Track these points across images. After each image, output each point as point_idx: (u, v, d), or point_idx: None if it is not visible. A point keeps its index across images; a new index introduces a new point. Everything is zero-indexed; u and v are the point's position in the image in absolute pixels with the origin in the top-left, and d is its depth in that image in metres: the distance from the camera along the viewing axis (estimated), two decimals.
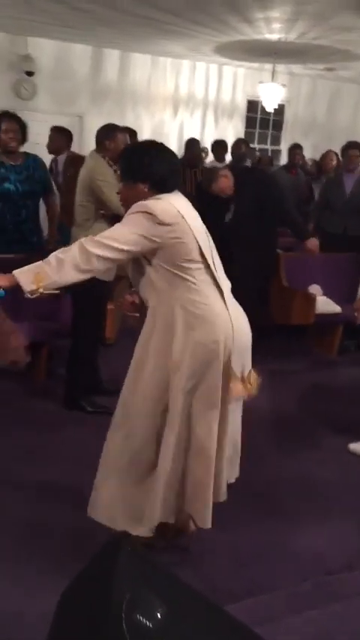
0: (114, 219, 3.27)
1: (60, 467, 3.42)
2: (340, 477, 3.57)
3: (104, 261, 2.32)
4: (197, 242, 2.38)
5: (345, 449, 3.88)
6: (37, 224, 4.79)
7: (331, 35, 7.46)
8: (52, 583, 2.48)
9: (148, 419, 2.44)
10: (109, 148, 3.96)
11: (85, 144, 7.29)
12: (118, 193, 2.59)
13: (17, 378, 4.62)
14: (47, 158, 6.06)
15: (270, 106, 9.70)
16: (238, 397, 2.48)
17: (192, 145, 7.51)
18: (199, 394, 2.41)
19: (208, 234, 2.51)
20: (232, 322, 2.43)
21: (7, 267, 2.40)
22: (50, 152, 6.26)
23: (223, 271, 2.53)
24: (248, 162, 8.26)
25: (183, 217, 2.36)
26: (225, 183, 4.88)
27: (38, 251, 4.11)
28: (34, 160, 4.66)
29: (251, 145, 9.85)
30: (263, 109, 10.30)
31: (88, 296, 3.98)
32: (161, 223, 2.30)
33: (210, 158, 8.86)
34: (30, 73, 9.35)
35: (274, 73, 9.46)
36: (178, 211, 2.36)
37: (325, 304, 5.51)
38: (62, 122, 6.90)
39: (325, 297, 5.60)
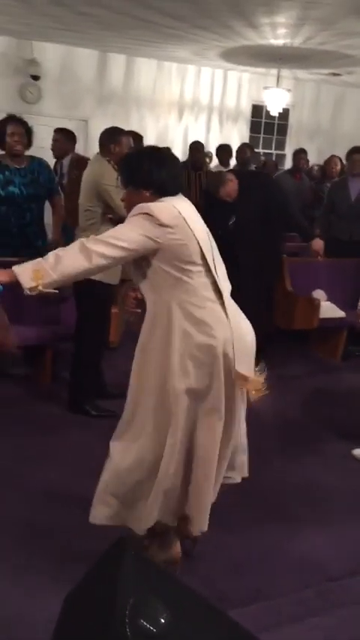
0: (120, 223, 3.27)
1: (63, 470, 3.42)
2: (343, 483, 3.57)
3: (104, 259, 2.31)
4: (199, 245, 2.38)
5: (349, 454, 3.88)
6: (42, 227, 4.80)
7: (336, 40, 7.47)
8: (53, 584, 2.49)
9: (151, 423, 2.44)
10: (113, 151, 3.96)
11: (90, 148, 7.32)
12: (122, 200, 2.59)
13: (22, 382, 4.63)
14: (53, 162, 6.07)
15: (275, 111, 9.71)
16: (251, 397, 2.47)
17: (196, 147, 7.52)
18: (204, 403, 2.40)
19: (211, 237, 2.51)
20: (231, 326, 2.43)
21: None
22: (55, 156, 6.27)
23: (225, 275, 2.52)
24: (253, 167, 8.27)
25: (184, 219, 2.36)
26: (232, 187, 4.89)
27: (43, 254, 4.11)
28: (39, 163, 4.67)
29: (256, 150, 9.86)
30: (268, 113, 10.33)
31: (92, 299, 3.99)
32: (162, 224, 2.31)
33: (214, 162, 8.87)
34: (35, 77, 9.40)
35: (279, 78, 9.48)
36: (180, 213, 2.36)
37: (330, 309, 5.51)
38: (67, 126, 6.90)
39: (329, 303, 5.60)
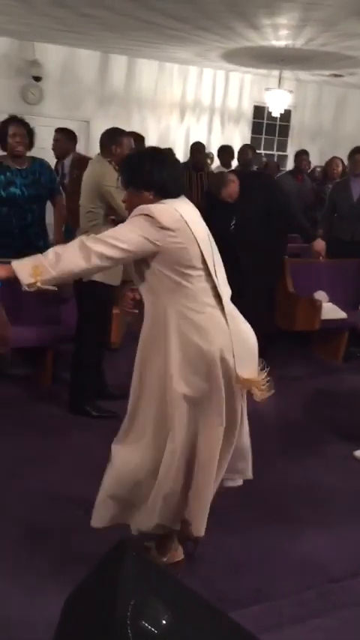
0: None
1: (63, 470, 3.42)
2: (345, 484, 3.56)
3: (103, 259, 2.30)
4: (199, 249, 2.36)
5: (350, 455, 3.87)
6: (44, 228, 4.80)
7: (338, 42, 7.47)
8: (53, 584, 2.49)
9: (151, 428, 2.43)
10: (115, 152, 3.96)
11: (92, 149, 7.32)
12: (123, 201, 2.59)
13: (23, 383, 4.63)
14: (54, 162, 6.07)
15: (276, 112, 9.71)
16: (256, 397, 2.46)
17: (197, 148, 7.52)
18: (204, 409, 2.39)
19: (212, 240, 2.50)
20: (230, 332, 2.43)
21: None
22: (56, 156, 6.26)
23: (224, 279, 2.51)
24: (255, 168, 8.27)
25: (186, 223, 2.35)
26: (233, 188, 4.89)
27: None
28: (41, 164, 4.67)
29: (257, 151, 9.86)
30: (270, 114, 10.32)
31: (93, 300, 3.99)
32: (162, 227, 2.29)
33: (216, 164, 8.87)
34: (37, 78, 9.40)
35: (280, 79, 9.48)
36: (182, 216, 2.35)
37: (331, 311, 5.50)
38: (69, 127, 6.89)
39: (330, 304, 5.59)
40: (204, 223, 2.49)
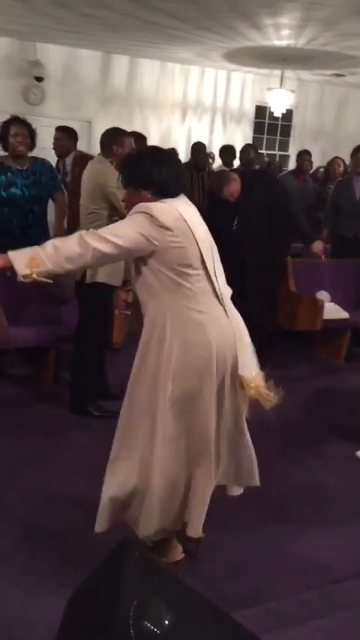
0: None
1: (64, 470, 3.42)
2: (346, 484, 3.55)
3: (101, 255, 2.30)
4: (199, 249, 2.36)
5: (352, 455, 3.87)
6: (45, 228, 4.80)
7: (340, 41, 7.46)
8: (53, 584, 2.49)
9: (143, 428, 2.43)
10: (116, 153, 3.94)
11: (94, 148, 7.30)
12: (123, 201, 2.58)
13: (23, 383, 4.63)
14: (55, 162, 6.07)
15: (278, 111, 9.71)
16: (265, 406, 2.46)
17: (198, 148, 7.53)
18: (194, 408, 2.38)
19: (212, 241, 2.49)
20: (233, 331, 2.42)
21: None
22: (58, 155, 6.26)
23: (224, 280, 2.50)
24: (257, 168, 8.26)
25: (186, 222, 2.34)
26: (235, 186, 4.88)
27: None
28: (42, 163, 4.67)
29: (259, 151, 9.85)
30: (271, 114, 10.32)
31: (95, 301, 3.98)
32: (161, 226, 2.29)
33: (217, 163, 8.87)
34: (39, 79, 9.41)
35: (282, 79, 9.48)
36: (181, 215, 2.34)
37: (333, 310, 5.50)
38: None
39: (333, 304, 5.59)
40: (204, 223, 2.48)
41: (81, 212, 4.04)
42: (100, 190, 3.88)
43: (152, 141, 8.60)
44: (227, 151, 8.43)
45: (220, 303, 2.43)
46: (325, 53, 8.24)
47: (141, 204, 2.34)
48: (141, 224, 2.29)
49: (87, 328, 4.10)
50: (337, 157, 7.60)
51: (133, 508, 2.48)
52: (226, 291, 2.49)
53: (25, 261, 2.26)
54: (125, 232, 2.30)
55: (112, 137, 4.03)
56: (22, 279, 2.26)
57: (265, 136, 11.67)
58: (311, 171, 8.14)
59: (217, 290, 2.42)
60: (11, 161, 4.51)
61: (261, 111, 11.27)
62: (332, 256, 6.30)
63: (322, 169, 8.39)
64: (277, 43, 7.84)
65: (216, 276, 2.43)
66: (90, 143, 8.64)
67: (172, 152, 8.72)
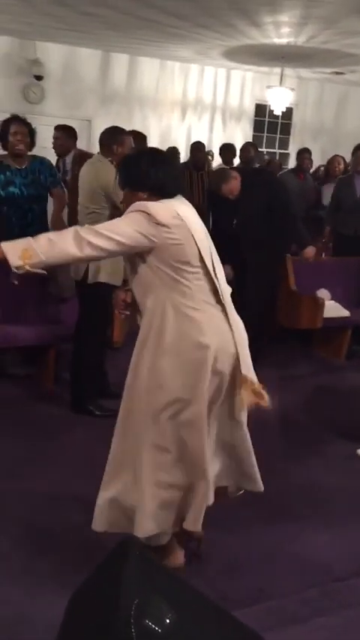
0: None
1: (64, 470, 3.42)
2: (347, 483, 3.55)
3: (96, 250, 2.29)
4: (197, 247, 2.35)
5: (352, 454, 3.86)
6: (45, 227, 4.78)
7: (340, 39, 7.45)
8: (53, 585, 2.49)
9: (141, 428, 2.42)
10: (116, 152, 3.92)
11: (94, 147, 7.28)
12: (121, 202, 2.58)
13: (24, 383, 4.62)
14: (55, 160, 6.06)
15: (278, 110, 9.70)
16: (251, 406, 2.45)
17: (197, 147, 7.52)
18: (187, 409, 2.37)
19: (210, 240, 2.49)
20: (232, 331, 2.41)
21: None
22: (57, 154, 6.25)
23: (224, 278, 2.50)
24: (257, 166, 8.25)
25: (183, 220, 2.34)
26: (234, 184, 4.86)
27: None
28: (41, 162, 4.65)
29: (259, 149, 9.84)
30: (271, 112, 10.30)
31: (96, 301, 3.97)
32: (158, 223, 2.29)
33: (217, 162, 8.86)
34: (39, 77, 9.40)
35: (282, 77, 9.46)
36: (179, 214, 2.34)
37: (334, 309, 5.49)
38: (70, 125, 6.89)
39: (333, 302, 5.58)
40: (202, 223, 2.48)
41: (80, 212, 4.02)
42: (101, 190, 3.86)
43: (152, 139, 8.60)
44: (227, 150, 8.42)
45: (220, 302, 2.43)
46: (325, 51, 8.23)
47: (138, 202, 2.35)
48: (138, 222, 2.29)
49: (88, 328, 4.09)
50: (337, 155, 7.59)
51: (130, 513, 2.47)
52: (227, 290, 2.49)
53: (18, 252, 2.25)
54: (123, 229, 2.29)
55: (112, 136, 4.01)
56: (15, 270, 2.26)
57: (265, 134, 11.66)
58: (312, 170, 8.14)
59: (218, 288, 2.42)
60: (10, 160, 4.51)
61: (261, 109, 11.25)
62: (333, 254, 6.30)
63: (322, 168, 8.39)
64: (276, 40, 7.83)
65: (216, 274, 2.42)
66: (90, 142, 8.62)
67: (174, 151, 8.76)
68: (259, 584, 2.64)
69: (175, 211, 2.34)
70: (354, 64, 9.09)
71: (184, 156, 8.98)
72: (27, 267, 2.25)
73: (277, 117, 10.92)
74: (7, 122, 4.51)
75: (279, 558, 2.82)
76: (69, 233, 2.31)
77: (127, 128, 4.34)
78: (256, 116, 11.40)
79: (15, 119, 4.54)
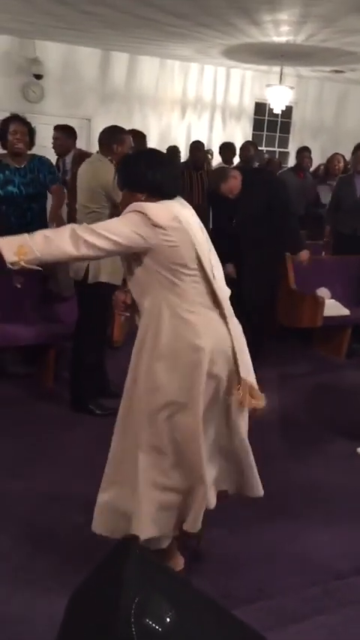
0: None
1: (64, 470, 3.42)
2: (348, 481, 3.55)
3: (92, 249, 2.29)
4: (195, 250, 2.34)
5: (353, 453, 3.86)
6: (44, 225, 4.77)
7: (339, 38, 7.44)
8: (53, 585, 2.49)
9: (139, 425, 2.42)
10: (116, 151, 3.92)
11: (93, 146, 7.27)
12: (119, 203, 2.58)
13: (24, 382, 4.62)
14: (55, 160, 6.05)
15: (278, 108, 9.69)
16: (248, 408, 2.45)
17: (196, 147, 7.51)
18: (183, 410, 2.36)
19: (210, 242, 2.48)
20: (231, 336, 2.40)
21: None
22: (57, 154, 6.24)
23: (223, 281, 2.48)
24: (256, 165, 8.25)
25: (182, 223, 2.33)
26: (234, 183, 4.86)
27: None
28: (40, 160, 4.65)
29: (259, 148, 9.84)
30: (271, 111, 10.29)
31: (97, 300, 3.97)
32: (155, 225, 2.28)
33: (217, 161, 8.86)
34: (38, 76, 9.39)
35: (281, 75, 9.44)
36: (177, 217, 2.33)
37: (334, 307, 5.49)
38: (70, 125, 6.87)
39: (333, 301, 5.58)
40: (201, 224, 2.48)
41: (80, 211, 4.00)
42: (101, 189, 3.85)
43: (152, 138, 8.60)
44: (227, 148, 8.42)
45: (218, 305, 2.42)
46: (325, 49, 8.22)
47: (135, 203, 2.34)
48: (135, 222, 2.29)
49: (88, 327, 4.09)
50: (336, 153, 7.60)
51: (130, 515, 2.46)
52: (225, 293, 2.48)
53: (13, 248, 2.25)
54: (119, 229, 2.29)
55: (112, 135, 4.00)
56: (10, 266, 2.26)
57: (265, 133, 11.65)
58: (312, 169, 8.13)
59: (216, 291, 2.41)
60: (9, 159, 4.50)
61: (260, 108, 11.24)
62: (333, 253, 6.30)
63: (322, 167, 8.39)
64: (276, 39, 7.82)
65: (214, 278, 2.41)
66: (89, 141, 8.62)
67: (174, 150, 8.75)
68: (259, 583, 2.65)
69: (173, 213, 2.33)
70: (353, 63, 9.08)
71: (184, 155, 8.97)
72: (22, 264, 2.25)
73: (276, 115, 10.90)
74: (7, 121, 4.51)
75: (279, 557, 2.82)
76: (66, 231, 2.31)
77: (127, 127, 4.33)
78: (255, 115, 11.39)
79: (14, 118, 4.54)
